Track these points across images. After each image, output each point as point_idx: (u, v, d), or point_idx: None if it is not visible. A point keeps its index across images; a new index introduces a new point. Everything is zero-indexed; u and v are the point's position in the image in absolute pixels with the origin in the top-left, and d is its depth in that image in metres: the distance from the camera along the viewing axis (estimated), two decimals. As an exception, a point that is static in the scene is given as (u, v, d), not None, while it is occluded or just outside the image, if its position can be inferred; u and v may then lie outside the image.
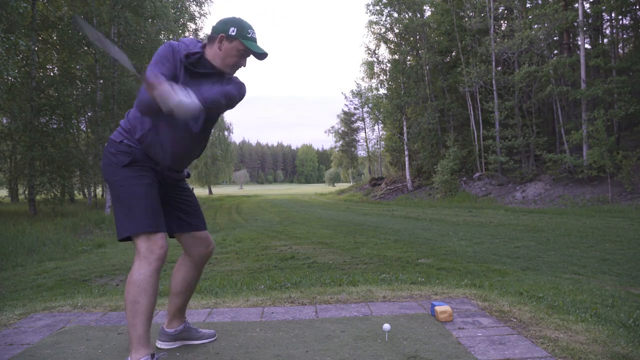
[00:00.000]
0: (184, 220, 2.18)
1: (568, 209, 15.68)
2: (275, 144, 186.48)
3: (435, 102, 26.48)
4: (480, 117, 23.38)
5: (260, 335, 2.42)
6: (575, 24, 19.76)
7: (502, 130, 22.03)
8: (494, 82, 22.08)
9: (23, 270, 6.88)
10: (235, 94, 2.04)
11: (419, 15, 27.89)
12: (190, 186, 2.35)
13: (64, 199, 20.47)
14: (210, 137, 2.58)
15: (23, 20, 14.76)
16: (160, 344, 2.26)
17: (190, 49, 1.99)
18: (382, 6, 28.59)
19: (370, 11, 29.31)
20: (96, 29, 1.99)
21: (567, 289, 3.92)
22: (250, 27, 2.00)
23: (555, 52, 23.53)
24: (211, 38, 2.01)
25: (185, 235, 2.20)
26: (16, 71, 13.66)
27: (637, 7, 20.77)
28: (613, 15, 21.73)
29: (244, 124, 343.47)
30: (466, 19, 24.29)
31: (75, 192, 26.57)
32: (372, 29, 30.71)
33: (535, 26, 20.73)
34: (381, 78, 32.66)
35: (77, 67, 20.49)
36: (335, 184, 78.43)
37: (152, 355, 1.89)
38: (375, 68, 32.85)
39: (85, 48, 18.32)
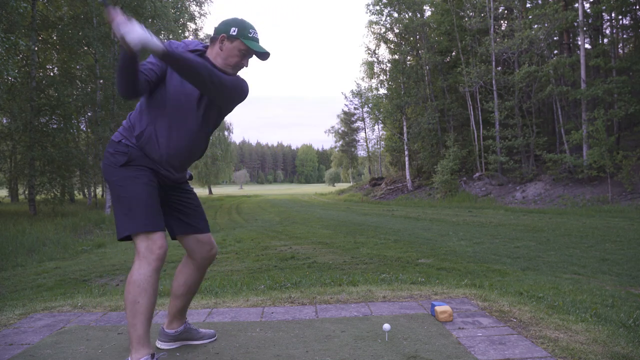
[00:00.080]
0: (184, 221, 2.17)
1: (568, 209, 15.68)
2: (275, 144, 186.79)
3: (435, 102, 26.47)
4: (480, 117, 23.37)
5: (260, 335, 2.41)
6: (575, 24, 19.75)
7: (502, 130, 22.03)
8: (494, 82, 22.07)
9: (23, 270, 6.88)
10: (226, 81, 1.95)
11: (419, 15, 27.89)
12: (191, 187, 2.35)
13: (64, 199, 20.49)
14: (210, 137, 2.56)
15: (23, 20, 14.76)
16: (160, 344, 2.26)
17: (190, 47, 2.02)
18: (382, 6, 28.59)
19: (370, 11, 29.35)
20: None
21: (567, 289, 3.92)
22: (252, 27, 2.01)
23: (555, 52, 23.52)
24: (213, 39, 2.03)
25: (188, 237, 2.19)
26: (16, 71, 13.68)
27: (637, 7, 20.76)
28: (613, 15, 21.73)
29: (244, 124, 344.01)
30: (466, 19, 24.29)
31: (75, 192, 26.58)
32: (372, 29, 30.72)
33: (535, 26, 20.72)
34: (381, 78, 32.67)
35: (77, 67, 20.51)
36: (335, 184, 78.40)
37: (152, 355, 1.89)
38: (375, 68, 32.85)
39: (85, 48, 18.31)
